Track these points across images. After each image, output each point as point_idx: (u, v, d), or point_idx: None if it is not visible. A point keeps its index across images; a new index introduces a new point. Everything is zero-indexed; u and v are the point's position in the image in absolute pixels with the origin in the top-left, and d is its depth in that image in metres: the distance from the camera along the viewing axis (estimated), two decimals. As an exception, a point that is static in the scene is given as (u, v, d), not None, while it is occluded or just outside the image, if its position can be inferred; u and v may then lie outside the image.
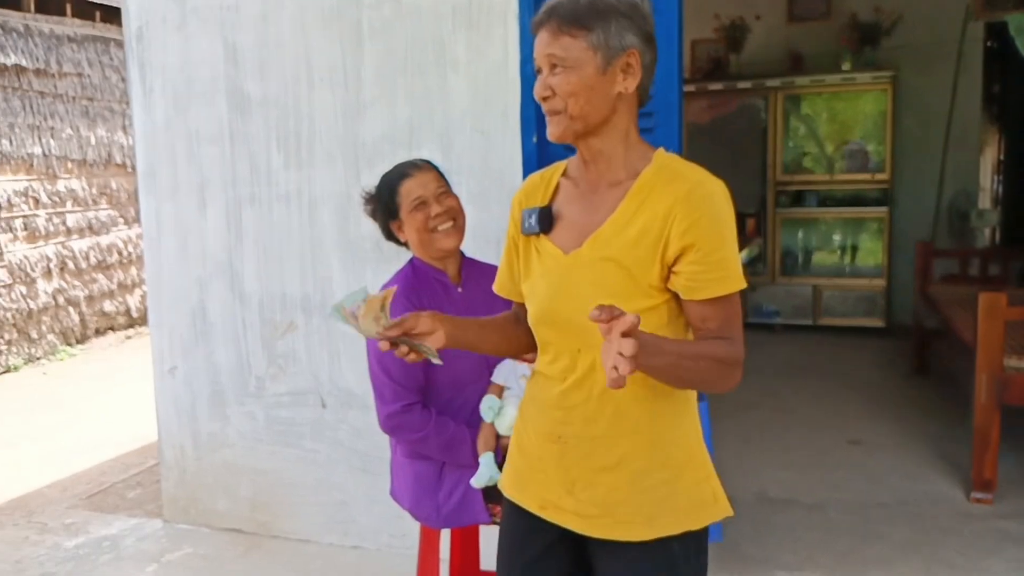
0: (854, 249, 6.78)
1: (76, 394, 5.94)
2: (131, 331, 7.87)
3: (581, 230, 1.50)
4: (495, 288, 1.72)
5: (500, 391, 2.18)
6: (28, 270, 6.78)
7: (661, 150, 1.51)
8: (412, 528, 2.41)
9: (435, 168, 2.27)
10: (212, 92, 3.34)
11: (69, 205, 7.26)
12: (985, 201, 6.95)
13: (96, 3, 7.71)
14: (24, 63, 6.75)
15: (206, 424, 3.53)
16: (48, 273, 7.00)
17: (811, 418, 4.63)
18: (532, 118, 2.84)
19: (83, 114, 7.42)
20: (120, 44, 7.67)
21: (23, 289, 6.74)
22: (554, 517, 1.55)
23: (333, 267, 3.24)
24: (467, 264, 2.33)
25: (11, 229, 6.65)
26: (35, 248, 6.89)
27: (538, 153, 2.84)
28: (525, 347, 1.67)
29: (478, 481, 2.11)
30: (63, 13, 7.39)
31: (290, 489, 3.42)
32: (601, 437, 1.49)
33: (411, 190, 2.20)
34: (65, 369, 6.73)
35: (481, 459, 2.12)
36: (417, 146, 3.03)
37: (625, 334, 1.15)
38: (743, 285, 1.42)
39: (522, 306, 1.63)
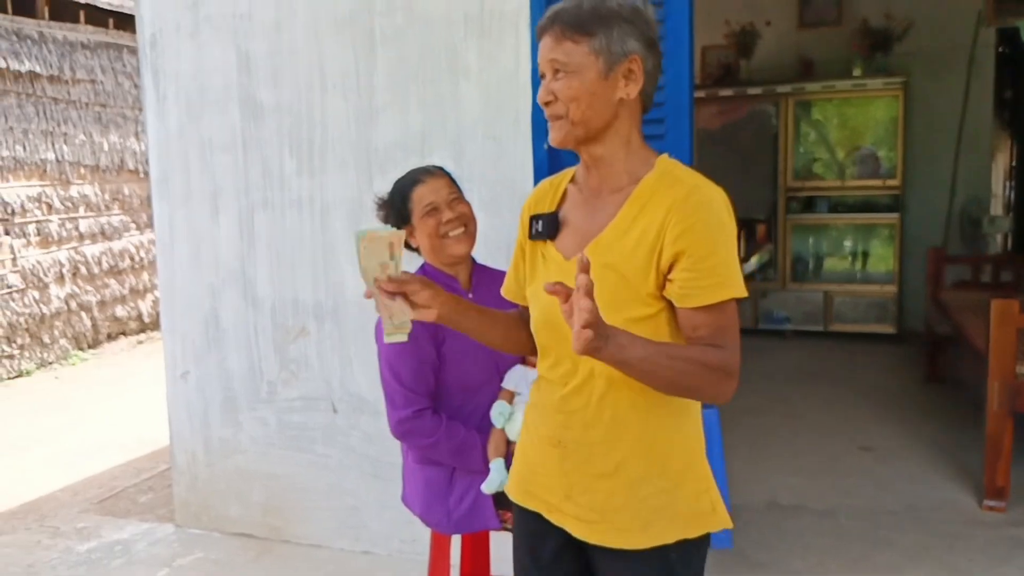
0: (865, 255, 6.76)
1: (88, 398, 5.97)
2: (143, 336, 7.91)
3: (583, 236, 1.50)
4: (502, 292, 1.72)
5: (511, 397, 2.19)
6: (41, 275, 6.83)
7: (664, 156, 1.51)
8: (423, 534, 2.42)
9: (448, 174, 2.28)
10: (225, 99, 3.36)
11: (82, 210, 7.31)
12: (997, 207, 6.93)
13: (109, 10, 7.77)
14: (38, 69, 6.81)
15: (218, 429, 3.55)
16: (61, 278, 7.04)
17: (822, 424, 4.62)
18: (543, 125, 2.83)
19: (96, 120, 7.47)
20: (133, 51, 7.72)
21: (36, 294, 6.78)
22: (558, 521, 1.56)
23: (345, 273, 3.25)
24: (478, 270, 2.34)
25: (24, 234, 6.70)
26: (48, 253, 6.93)
27: (549, 160, 2.84)
28: (526, 348, 1.67)
29: (488, 487, 2.11)
30: (77, 20, 7.45)
31: (301, 494, 3.43)
32: (599, 443, 1.49)
33: (423, 196, 2.21)
34: (77, 374, 6.77)
35: (492, 465, 2.13)
36: (429, 153, 3.04)
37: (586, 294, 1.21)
38: (738, 294, 1.39)
39: (527, 309, 1.64)
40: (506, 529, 2.14)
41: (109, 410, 5.63)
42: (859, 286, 6.61)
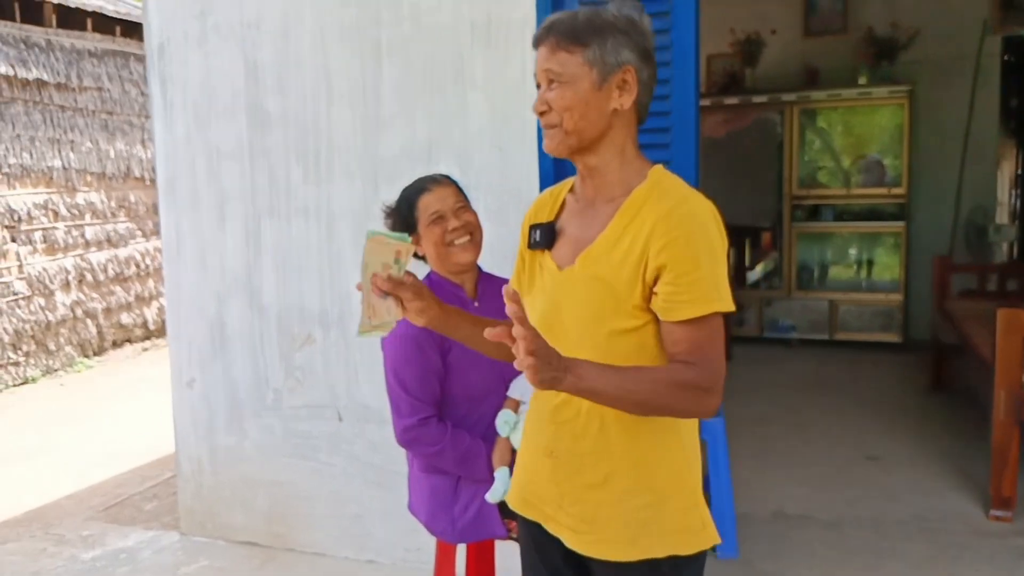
0: (870, 264, 6.75)
1: (93, 406, 5.98)
2: (148, 343, 7.93)
3: (576, 246, 1.51)
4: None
5: (516, 406, 2.19)
6: (47, 282, 6.85)
7: (658, 167, 1.51)
8: (427, 542, 2.42)
9: (454, 183, 2.29)
10: (232, 108, 3.37)
11: (88, 218, 7.34)
12: (1003, 216, 6.90)
13: (116, 18, 7.81)
14: (45, 77, 6.84)
15: (223, 437, 3.55)
16: (66, 285, 7.06)
17: (827, 434, 4.61)
18: (549, 134, 2.84)
19: (103, 128, 7.50)
20: (139, 59, 7.76)
21: (42, 301, 6.80)
22: (554, 530, 1.57)
23: (351, 281, 3.22)
24: (484, 279, 2.34)
25: (31, 241, 6.72)
26: (54, 260, 6.96)
27: (555, 170, 2.85)
28: None
29: (493, 496, 2.11)
30: (84, 28, 7.49)
31: (306, 502, 3.43)
32: (588, 454, 1.49)
33: (429, 204, 2.21)
34: (82, 381, 6.78)
35: (496, 473, 2.13)
36: (435, 162, 3.05)
37: (529, 352, 1.23)
38: (722, 308, 1.38)
39: None
40: (511, 538, 2.14)
41: (114, 417, 5.63)
42: (865, 295, 6.59)
